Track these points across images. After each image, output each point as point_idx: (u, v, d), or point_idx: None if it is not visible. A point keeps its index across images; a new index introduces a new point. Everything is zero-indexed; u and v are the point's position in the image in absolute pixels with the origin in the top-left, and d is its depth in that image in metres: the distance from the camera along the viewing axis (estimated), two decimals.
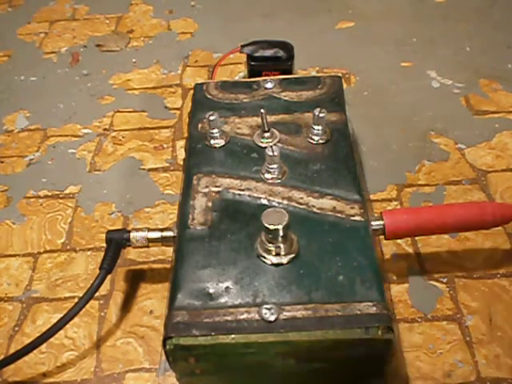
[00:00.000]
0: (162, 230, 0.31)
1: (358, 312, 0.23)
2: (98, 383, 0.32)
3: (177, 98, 0.52)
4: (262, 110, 0.30)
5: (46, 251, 0.39)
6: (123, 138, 0.48)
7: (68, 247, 0.40)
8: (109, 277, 0.33)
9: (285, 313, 0.23)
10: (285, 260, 0.25)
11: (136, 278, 0.37)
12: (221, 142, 0.31)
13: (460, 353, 0.31)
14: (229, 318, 0.23)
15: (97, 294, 0.32)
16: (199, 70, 0.55)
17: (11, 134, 0.50)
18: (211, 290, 0.24)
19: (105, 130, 0.49)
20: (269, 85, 0.34)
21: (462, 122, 0.46)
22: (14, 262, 0.39)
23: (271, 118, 0.31)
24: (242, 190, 0.28)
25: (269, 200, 0.27)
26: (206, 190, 0.28)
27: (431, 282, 0.35)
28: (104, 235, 0.33)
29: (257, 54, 0.49)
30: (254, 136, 0.31)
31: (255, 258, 0.25)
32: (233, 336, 0.23)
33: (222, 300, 0.24)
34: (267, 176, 0.29)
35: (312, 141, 0.31)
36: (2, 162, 0.47)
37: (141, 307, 0.35)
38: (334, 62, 0.55)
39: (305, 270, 0.24)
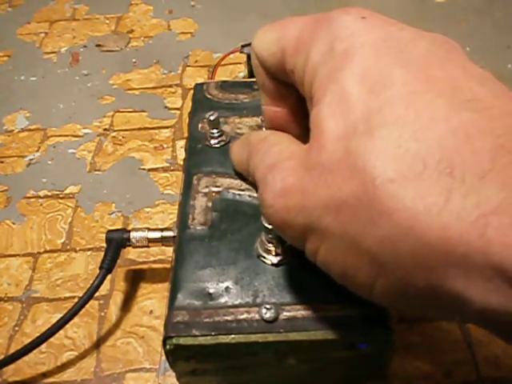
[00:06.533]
0: (162, 229, 0.31)
1: (358, 312, 0.23)
2: (97, 383, 0.32)
3: (177, 98, 0.52)
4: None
5: (46, 251, 0.40)
6: (123, 138, 0.48)
7: (68, 247, 0.40)
8: (109, 277, 0.33)
9: (285, 313, 0.23)
10: (285, 260, 0.25)
11: (136, 278, 0.37)
12: (221, 142, 0.31)
13: (460, 353, 0.31)
14: (229, 318, 0.23)
15: (97, 294, 0.32)
16: (199, 70, 0.55)
17: (11, 134, 0.50)
18: (211, 290, 0.24)
19: (105, 130, 0.49)
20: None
21: None
22: (14, 262, 0.39)
23: None
24: (243, 190, 0.28)
25: None
26: (206, 189, 0.28)
27: None
28: (104, 235, 0.33)
29: None
30: None
31: (255, 258, 0.25)
32: (233, 336, 0.23)
33: (222, 300, 0.24)
34: None
35: None
36: (2, 162, 0.47)
37: (141, 307, 0.35)
38: None
39: (305, 270, 0.24)
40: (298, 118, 0.24)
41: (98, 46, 0.60)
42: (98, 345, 0.34)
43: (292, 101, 0.23)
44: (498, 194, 0.13)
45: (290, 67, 0.21)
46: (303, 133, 0.24)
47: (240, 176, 0.29)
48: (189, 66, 0.56)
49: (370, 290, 0.17)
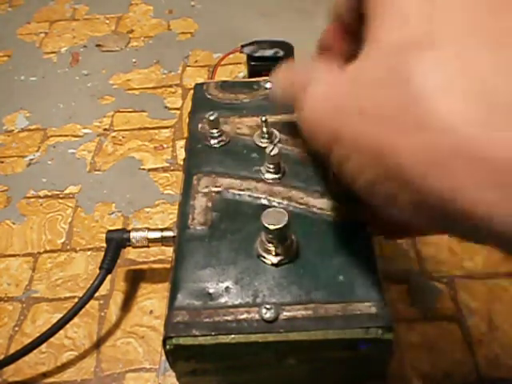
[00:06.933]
0: (162, 229, 0.31)
1: (358, 312, 0.23)
2: (97, 383, 0.32)
3: (177, 98, 0.52)
4: (264, 118, 0.30)
5: (46, 251, 0.40)
6: (123, 138, 0.48)
7: (68, 247, 0.40)
8: (109, 277, 0.33)
9: (285, 313, 0.23)
10: (285, 260, 0.25)
11: (136, 278, 0.37)
12: (221, 142, 0.31)
13: (460, 353, 0.31)
14: (229, 318, 0.23)
15: (97, 294, 0.32)
16: (199, 70, 0.55)
17: (11, 134, 0.50)
18: (211, 290, 0.24)
19: (105, 130, 0.49)
20: (269, 85, 0.34)
21: None
22: (13, 262, 0.39)
23: (271, 118, 0.31)
24: (242, 190, 0.28)
25: (269, 200, 0.27)
26: (206, 189, 0.28)
27: (431, 282, 0.35)
28: (104, 235, 0.33)
29: (257, 54, 0.49)
30: (254, 136, 0.31)
31: (255, 258, 0.25)
32: (233, 336, 0.23)
33: (222, 300, 0.24)
34: (267, 176, 0.29)
35: None
36: (2, 162, 0.47)
37: (141, 307, 0.35)
38: None
39: (305, 270, 0.24)
40: (348, 39, 0.25)
41: (98, 46, 0.60)
42: (98, 345, 0.34)
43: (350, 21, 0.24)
44: None
45: None
46: (346, 54, 0.24)
47: (240, 175, 0.29)
48: (189, 66, 0.56)
49: (393, 203, 0.18)
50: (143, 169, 0.45)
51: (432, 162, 0.15)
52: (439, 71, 0.16)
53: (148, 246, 0.32)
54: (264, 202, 0.27)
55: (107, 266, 0.32)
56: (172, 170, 0.45)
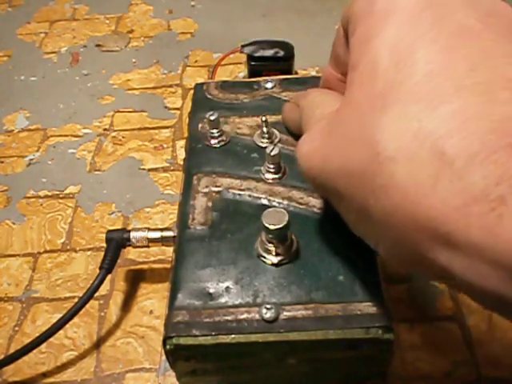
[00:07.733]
0: (162, 229, 0.31)
1: (358, 312, 0.23)
2: (97, 383, 0.32)
3: (177, 98, 0.52)
4: (264, 118, 0.30)
5: (46, 251, 0.40)
6: (123, 138, 0.48)
7: (68, 247, 0.40)
8: (109, 277, 0.33)
9: (285, 313, 0.23)
10: (285, 260, 0.25)
11: (136, 278, 0.37)
12: (221, 142, 0.31)
13: (460, 353, 0.31)
14: (229, 318, 0.23)
15: (97, 294, 0.32)
16: (199, 70, 0.55)
17: (11, 134, 0.50)
18: (211, 290, 0.24)
19: (105, 130, 0.49)
20: (269, 85, 0.34)
21: None
22: (14, 262, 0.39)
23: (271, 118, 0.31)
24: (243, 190, 0.28)
25: (269, 200, 0.27)
26: (207, 189, 0.28)
27: (431, 282, 0.35)
28: (104, 235, 0.33)
29: (257, 54, 0.49)
30: (254, 136, 0.31)
31: (255, 258, 0.25)
32: (233, 336, 0.23)
33: (222, 300, 0.24)
34: (267, 176, 0.29)
35: None
36: (2, 162, 0.47)
37: (141, 307, 0.35)
38: None
39: (305, 270, 0.24)
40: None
41: (97, 46, 0.60)
42: (98, 345, 0.34)
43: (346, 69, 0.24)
44: (481, 180, 0.14)
45: (344, 21, 0.22)
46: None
47: (240, 175, 0.29)
48: (189, 66, 0.56)
49: (376, 247, 0.19)
50: (143, 169, 0.45)
51: (395, 223, 0.16)
52: (394, 133, 0.16)
53: (148, 246, 0.32)
54: (264, 201, 0.27)
55: (107, 266, 0.32)
56: (172, 170, 0.45)
